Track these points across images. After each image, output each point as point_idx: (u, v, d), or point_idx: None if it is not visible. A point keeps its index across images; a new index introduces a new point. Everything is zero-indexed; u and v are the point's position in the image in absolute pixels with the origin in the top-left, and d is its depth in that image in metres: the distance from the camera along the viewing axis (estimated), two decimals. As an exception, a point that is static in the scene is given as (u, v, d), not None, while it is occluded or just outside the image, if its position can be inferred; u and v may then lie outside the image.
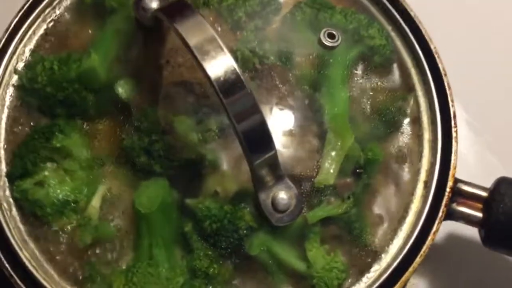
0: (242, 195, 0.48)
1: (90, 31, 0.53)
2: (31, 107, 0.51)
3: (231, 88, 0.40)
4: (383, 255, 0.49)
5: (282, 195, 0.46)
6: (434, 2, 0.66)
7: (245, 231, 0.47)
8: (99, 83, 0.50)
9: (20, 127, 0.50)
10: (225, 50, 0.41)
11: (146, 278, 0.46)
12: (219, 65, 0.40)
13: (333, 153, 0.49)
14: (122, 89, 0.50)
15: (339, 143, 0.50)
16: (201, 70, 0.41)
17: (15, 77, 0.51)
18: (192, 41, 0.41)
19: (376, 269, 0.49)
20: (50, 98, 0.50)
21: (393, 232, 0.50)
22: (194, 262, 0.47)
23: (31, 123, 0.50)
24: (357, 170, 0.50)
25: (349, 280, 0.48)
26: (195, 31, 0.41)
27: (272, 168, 0.46)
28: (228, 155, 0.49)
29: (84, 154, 0.49)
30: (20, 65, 0.52)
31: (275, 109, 0.50)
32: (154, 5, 0.49)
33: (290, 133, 0.50)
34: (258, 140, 0.43)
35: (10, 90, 0.51)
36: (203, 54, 0.40)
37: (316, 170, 0.49)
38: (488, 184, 0.51)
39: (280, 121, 0.50)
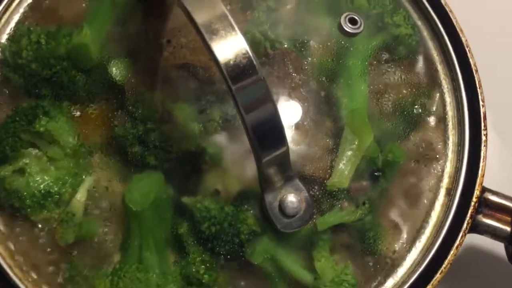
0: (245, 196, 0.43)
1: (83, 2, 0.48)
2: (14, 85, 0.46)
3: (242, 74, 0.35)
4: (398, 269, 0.45)
5: (291, 198, 0.41)
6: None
7: (247, 236, 0.42)
8: (91, 61, 0.46)
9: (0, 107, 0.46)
10: (237, 30, 0.36)
11: (133, 283, 0.42)
12: (230, 47, 0.36)
13: (349, 153, 0.45)
14: (116, 70, 0.46)
15: (356, 142, 0.45)
16: (208, 51, 0.36)
17: (-4, 50, 0.47)
18: (200, 18, 0.36)
19: (390, 285, 0.44)
20: (35, 75, 0.45)
21: (411, 243, 0.46)
22: (188, 268, 0.43)
23: (13, 103, 0.46)
24: (375, 173, 0.45)
25: (359, 296, 0.44)
26: (204, 7, 0.36)
27: (282, 167, 0.41)
28: (231, 150, 0.45)
29: (70, 140, 0.45)
30: (4, 37, 0.47)
31: (287, 101, 0.46)
32: (157, -24, 0.44)
33: (302, 128, 0.46)
34: (268, 134, 0.38)
35: (-10, 65, 0.47)
36: (212, 33, 0.35)
37: (329, 171, 0.45)
38: (517, 194, 0.47)
39: (292, 115, 0.46)
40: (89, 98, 0.45)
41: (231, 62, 0.36)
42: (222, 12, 0.36)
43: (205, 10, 0.36)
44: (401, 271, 0.44)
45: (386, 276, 0.44)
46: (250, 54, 0.36)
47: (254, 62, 0.36)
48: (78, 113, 0.45)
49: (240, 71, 0.36)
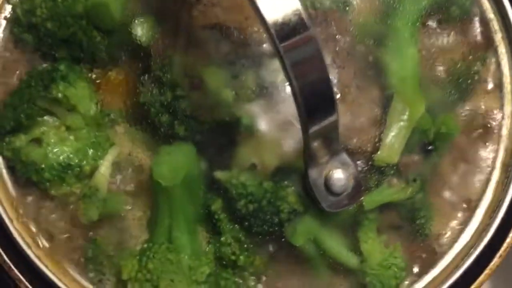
0: (285, 171, 0.40)
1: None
2: (27, 46, 0.43)
3: (291, 33, 0.31)
4: (451, 252, 0.42)
5: (339, 174, 0.38)
6: None
7: (287, 215, 0.39)
8: (112, 21, 0.42)
9: (13, 71, 0.42)
10: (287, -18, 0.31)
11: (164, 265, 0.39)
12: (279, 3, 0.31)
13: (399, 125, 0.42)
14: (140, 30, 0.42)
15: (406, 113, 0.42)
16: (253, 8, 0.31)
17: (8, 8, 0.43)
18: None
19: (441, 269, 0.42)
20: (50, 36, 0.42)
21: (464, 224, 0.43)
22: (223, 249, 0.40)
23: (27, 67, 0.42)
24: (426, 147, 0.42)
25: (407, 281, 0.41)
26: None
27: (329, 139, 0.37)
28: (268, 120, 0.41)
29: (91, 108, 0.41)
30: (15, -7, 0.44)
31: (331, 66, 0.42)
32: None
33: (347, 97, 0.42)
34: (319, 100, 0.34)
35: (2, 25, 0.43)
36: (258, -13, 0.31)
37: (377, 144, 0.41)
38: None
39: (336, 82, 0.42)
40: (111, 62, 0.42)
41: (280, 20, 0.31)
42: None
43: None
44: (453, 255, 0.41)
45: (438, 259, 0.41)
46: (301, 11, 0.32)
47: (306, 20, 0.32)
48: (98, 78, 0.42)
49: (289, 30, 0.31)
